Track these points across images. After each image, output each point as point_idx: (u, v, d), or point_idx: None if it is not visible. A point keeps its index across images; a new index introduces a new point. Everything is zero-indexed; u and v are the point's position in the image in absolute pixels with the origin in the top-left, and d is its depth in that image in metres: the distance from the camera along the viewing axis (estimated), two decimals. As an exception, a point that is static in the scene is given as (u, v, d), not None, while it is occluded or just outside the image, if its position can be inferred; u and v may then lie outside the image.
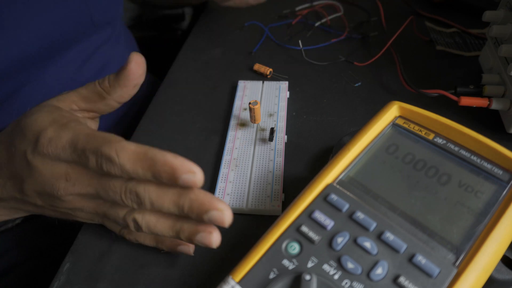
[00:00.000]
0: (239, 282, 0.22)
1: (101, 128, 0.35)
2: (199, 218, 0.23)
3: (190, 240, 0.24)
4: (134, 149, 0.23)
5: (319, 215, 0.23)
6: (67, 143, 0.25)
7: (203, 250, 0.31)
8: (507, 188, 0.23)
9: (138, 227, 0.25)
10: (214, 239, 0.24)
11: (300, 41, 0.50)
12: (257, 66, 0.48)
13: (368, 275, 0.21)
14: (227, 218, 0.23)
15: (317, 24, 0.55)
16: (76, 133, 0.25)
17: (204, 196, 0.23)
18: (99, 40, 0.49)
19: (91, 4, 0.45)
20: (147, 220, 0.25)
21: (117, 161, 0.23)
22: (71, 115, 0.28)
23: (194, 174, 0.23)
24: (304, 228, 0.23)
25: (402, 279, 0.20)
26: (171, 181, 0.23)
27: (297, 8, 0.59)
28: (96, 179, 0.25)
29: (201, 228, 0.24)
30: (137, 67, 0.28)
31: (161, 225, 0.25)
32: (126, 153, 0.23)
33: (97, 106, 0.30)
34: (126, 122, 0.53)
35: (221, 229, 0.32)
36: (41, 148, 0.25)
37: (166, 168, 0.23)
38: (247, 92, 0.44)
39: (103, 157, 0.23)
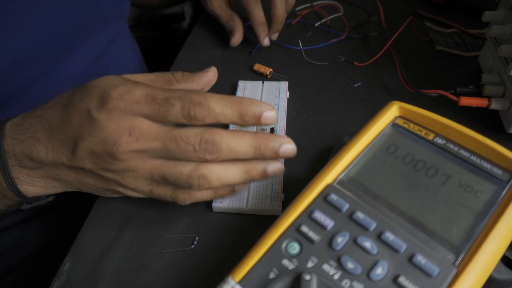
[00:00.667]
0: (239, 282, 0.22)
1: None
2: (272, 153, 0.27)
3: (262, 175, 0.28)
4: (221, 96, 0.26)
5: (319, 215, 0.23)
6: (142, 96, 0.26)
7: (203, 250, 0.31)
8: (506, 188, 0.23)
9: (206, 181, 0.26)
10: (281, 165, 0.28)
11: (300, 41, 0.50)
12: (257, 66, 0.48)
13: (368, 275, 0.21)
14: (294, 148, 0.27)
15: (317, 24, 0.55)
16: (152, 88, 0.26)
17: (274, 135, 0.27)
18: (109, 36, 0.50)
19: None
20: (216, 171, 0.26)
21: (207, 104, 0.25)
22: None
23: (273, 110, 0.27)
24: (304, 228, 0.23)
25: (402, 279, 0.20)
26: (256, 120, 0.26)
27: (297, 8, 0.59)
28: (166, 132, 0.26)
29: (270, 161, 0.27)
30: (213, 76, 0.32)
31: (232, 172, 0.27)
32: (215, 98, 0.26)
33: None
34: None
35: (221, 229, 0.32)
36: (110, 103, 0.26)
37: (252, 107, 0.26)
38: (247, 92, 0.44)
39: (192, 102, 0.25)
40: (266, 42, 0.49)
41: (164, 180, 0.28)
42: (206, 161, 0.26)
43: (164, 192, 0.29)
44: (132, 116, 0.26)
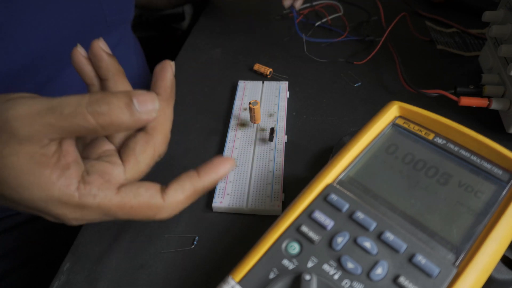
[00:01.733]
0: (239, 282, 0.22)
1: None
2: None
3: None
4: None
5: (319, 215, 0.23)
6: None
7: (203, 250, 0.31)
8: (506, 188, 0.23)
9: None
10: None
11: (303, 35, 0.50)
12: (257, 66, 0.48)
13: (368, 275, 0.21)
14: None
15: (317, 23, 0.55)
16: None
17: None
18: (113, 41, 0.50)
19: (105, 4, 0.45)
20: None
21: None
22: None
23: None
24: (304, 228, 0.23)
25: (402, 279, 0.20)
26: None
27: (296, 7, 0.59)
28: None
29: None
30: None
31: None
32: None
33: None
34: None
35: (221, 229, 0.32)
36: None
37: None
38: (247, 92, 0.44)
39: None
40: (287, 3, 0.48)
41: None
42: None
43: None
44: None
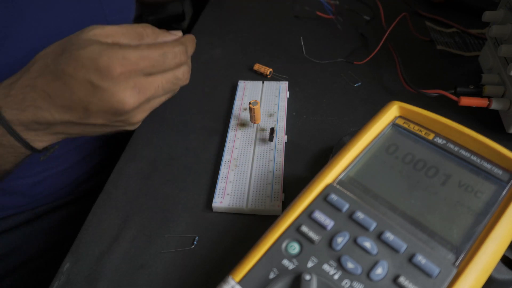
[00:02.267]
0: (239, 282, 0.22)
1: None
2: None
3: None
4: (188, 38, 0.36)
5: (319, 215, 0.23)
6: (138, 58, 0.30)
7: (203, 250, 0.31)
8: (506, 188, 0.23)
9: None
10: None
11: (301, 38, 0.50)
12: (257, 66, 0.48)
13: (368, 275, 0.21)
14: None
15: (323, 20, 0.55)
16: (140, 48, 0.30)
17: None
18: None
19: (105, 3, 0.45)
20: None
21: (187, 49, 0.34)
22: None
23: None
24: (304, 228, 0.23)
25: (402, 279, 0.20)
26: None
27: (296, 6, 0.59)
28: (162, 77, 0.32)
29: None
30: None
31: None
32: (188, 44, 0.35)
33: (130, 42, 0.32)
34: None
35: (221, 229, 0.32)
36: (113, 72, 0.28)
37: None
38: (247, 92, 0.44)
39: (179, 51, 0.33)
40: None
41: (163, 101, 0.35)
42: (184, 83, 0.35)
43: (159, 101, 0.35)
44: (134, 77, 0.30)
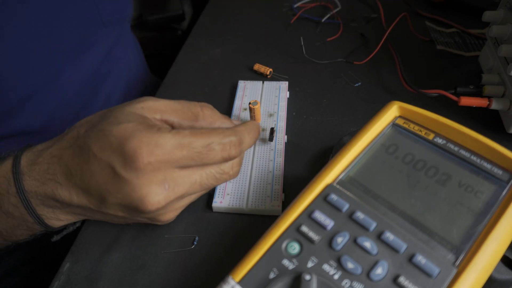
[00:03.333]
0: (239, 282, 0.22)
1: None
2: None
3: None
4: (246, 128, 0.29)
5: (319, 215, 0.23)
6: (174, 148, 0.24)
7: (203, 250, 0.31)
8: (506, 188, 0.23)
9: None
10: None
11: (301, 38, 0.50)
12: (257, 66, 0.48)
13: (368, 275, 0.21)
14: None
15: (324, 19, 0.55)
16: (180, 136, 0.25)
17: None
18: (111, 41, 0.50)
19: (99, 4, 0.45)
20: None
21: (242, 142, 0.27)
22: (159, 123, 0.27)
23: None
24: (304, 228, 0.23)
25: (402, 279, 0.20)
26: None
27: (295, 5, 0.59)
28: (200, 175, 0.26)
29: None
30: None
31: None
32: (245, 134, 0.28)
33: (181, 122, 0.28)
34: None
35: (221, 229, 0.32)
36: (139, 162, 0.24)
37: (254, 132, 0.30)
38: (247, 92, 0.44)
39: (231, 144, 0.26)
40: None
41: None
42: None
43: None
44: (164, 170, 0.25)
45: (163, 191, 0.25)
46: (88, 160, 0.25)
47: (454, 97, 0.37)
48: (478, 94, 0.39)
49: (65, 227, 0.30)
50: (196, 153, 0.25)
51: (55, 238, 0.31)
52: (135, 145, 0.24)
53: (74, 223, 0.30)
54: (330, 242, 0.22)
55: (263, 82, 0.45)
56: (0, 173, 0.27)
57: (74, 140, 0.26)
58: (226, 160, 0.27)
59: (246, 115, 0.41)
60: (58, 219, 0.28)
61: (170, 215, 0.27)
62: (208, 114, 0.29)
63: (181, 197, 0.26)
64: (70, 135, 0.27)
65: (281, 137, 0.38)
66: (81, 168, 0.25)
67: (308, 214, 0.24)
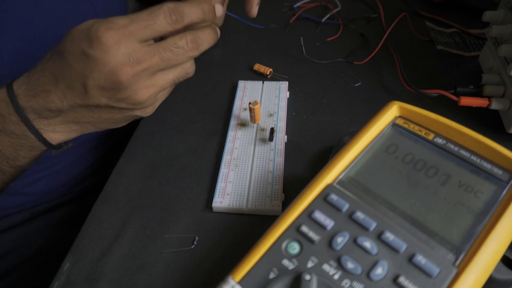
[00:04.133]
0: (239, 282, 0.22)
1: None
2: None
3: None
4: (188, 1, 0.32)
5: (319, 215, 0.23)
6: (127, 21, 0.29)
7: (203, 250, 0.31)
8: (506, 188, 0.23)
9: (198, 48, 0.32)
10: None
11: (301, 38, 0.50)
12: (257, 66, 0.48)
13: (368, 275, 0.21)
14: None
15: (324, 19, 0.55)
16: (131, 14, 0.29)
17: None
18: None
19: (96, 3, 0.45)
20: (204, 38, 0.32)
21: (181, 8, 0.30)
22: None
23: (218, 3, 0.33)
24: (304, 228, 0.23)
25: (402, 279, 0.20)
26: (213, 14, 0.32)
27: (295, 5, 0.59)
28: (158, 46, 0.30)
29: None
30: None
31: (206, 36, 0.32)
32: (184, 3, 0.31)
33: None
34: None
35: (221, 229, 0.32)
36: (101, 37, 0.28)
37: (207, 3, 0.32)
38: (247, 92, 0.44)
39: (170, 9, 0.30)
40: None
41: (172, 83, 0.32)
42: (193, 56, 0.32)
43: (169, 90, 0.34)
44: (124, 42, 0.28)
45: (128, 62, 0.28)
46: (65, 58, 0.29)
47: (454, 97, 0.37)
48: (478, 94, 0.39)
49: (60, 146, 0.34)
50: (144, 22, 0.29)
51: (54, 152, 0.34)
52: (96, 27, 0.28)
53: (67, 143, 0.34)
54: (330, 242, 0.22)
55: (263, 82, 0.45)
56: None
57: (51, 52, 0.30)
58: (171, 26, 0.30)
59: (246, 115, 0.41)
60: (54, 131, 0.32)
61: (144, 93, 0.30)
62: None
63: (148, 71, 0.30)
64: (49, 52, 0.31)
65: (281, 137, 0.38)
66: (62, 68, 0.29)
67: (308, 214, 0.24)
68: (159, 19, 0.30)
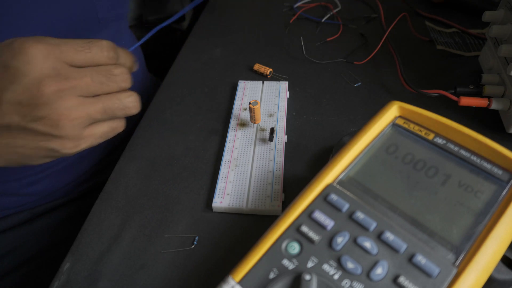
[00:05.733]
0: (239, 282, 0.22)
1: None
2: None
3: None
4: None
5: (319, 215, 0.23)
6: (60, 40, 0.27)
7: (203, 250, 0.31)
8: (506, 188, 0.23)
9: (136, 102, 0.31)
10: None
11: (301, 38, 0.50)
12: (257, 66, 0.48)
13: (368, 275, 0.21)
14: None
15: (324, 19, 0.55)
16: (68, 39, 0.28)
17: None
18: (108, 37, 0.50)
19: (97, 1, 0.45)
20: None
21: (121, 55, 0.30)
22: None
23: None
24: (304, 228, 0.23)
25: (402, 279, 0.20)
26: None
27: (296, 5, 0.59)
28: (92, 68, 0.28)
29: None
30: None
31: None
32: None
33: None
34: (126, 121, 0.53)
35: (221, 229, 0.32)
36: (28, 48, 0.25)
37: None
38: (247, 92, 0.44)
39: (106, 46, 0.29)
40: None
41: (103, 114, 0.29)
42: (125, 87, 0.30)
43: (102, 129, 0.30)
44: (53, 58, 0.26)
45: (54, 76, 0.26)
46: None
47: (454, 97, 0.37)
48: (478, 94, 0.39)
49: None
50: (79, 49, 0.27)
51: None
52: (22, 39, 0.26)
53: None
54: (330, 242, 0.22)
55: (263, 82, 0.45)
56: None
57: None
58: (106, 62, 0.29)
59: (246, 115, 0.41)
60: None
61: (67, 116, 0.27)
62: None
63: (75, 89, 0.27)
64: None
65: (281, 137, 0.38)
66: None
67: (308, 214, 0.24)
68: (94, 49, 0.28)
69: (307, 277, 0.21)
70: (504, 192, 0.23)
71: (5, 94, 0.25)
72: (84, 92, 0.27)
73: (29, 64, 0.25)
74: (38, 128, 0.27)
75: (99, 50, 0.28)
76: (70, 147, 0.28)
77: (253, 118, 0.38)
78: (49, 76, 0.26)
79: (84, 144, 0.29)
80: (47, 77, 0.26)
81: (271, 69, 0.47)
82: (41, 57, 0.26)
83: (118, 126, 0.31)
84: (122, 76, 0.29)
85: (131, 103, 0.30)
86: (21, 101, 0.26)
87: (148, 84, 0.60)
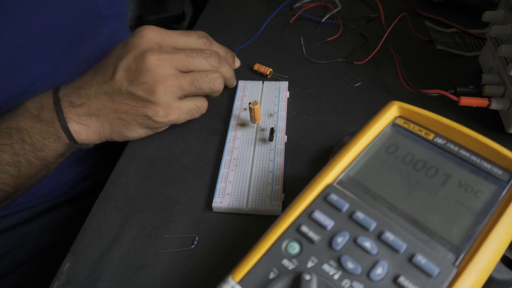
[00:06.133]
0: (239, 282, 0.22)
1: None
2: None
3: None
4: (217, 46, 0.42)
5: (319, 215, 0.23)
6: (171, 31, 0.36)
7: (203, 250, 0.31)
8: (506, 188, 0.23)
9: (220, 63, 0.38)
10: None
11: (301, 38, 0.50)
12: (257, 66, 0.48)
13: (368, 275, 0.21)
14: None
15: (324, 19, 0.55)
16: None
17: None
18: (109, 35, 0.50)
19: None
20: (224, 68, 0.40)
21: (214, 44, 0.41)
22: None
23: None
24: (304, 228, 0.23)
25: (402, 279, 0.20)
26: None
27: (295, 5, 0.59)
28: (187, 49, 0.36)
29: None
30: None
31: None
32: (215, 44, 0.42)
33: None
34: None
35: (221, 229, 0.32)
36: (144, 30, 0.35)
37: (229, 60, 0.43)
38: (247, 92, 0.44)
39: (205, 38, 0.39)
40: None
41: (191, 86, 0.35)
42: (215, 65, 0.37)
43: (189, 105, 0.37)
44: (160, 37, 0.35)
45: (157, 50, 0.34)
46: (109, 54, 0.35)
47: (454, 97, 0.37)
48: (478, 94, 0.39)
49: (81, 146, 0.36)
50: (179, 36, 0.37)
51: (73, 145, 0.36)
52: (141, 26, 0.35)
53: (87, 144, 0.36)
54: (330, 242, 0.22)
55: (263, 82, 0.45)
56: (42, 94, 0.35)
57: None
58: (201, 46, 0.37)
59: (246, 115, 0.41)
60: (79, 122, 0.34)
61: (162, 83, 0.34)
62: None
63: (171, 62, 0.34)
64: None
65: (281, 137, 0.38)
66: (103, 62, 0.35)
67: (308, 214, 0.24)
68: (193, 36, 0.37)
69: (307, 277, 0.21)
70: (504, 192, 0.23)
71: (121, 62, 0.33)
72: (179, 65, 0.35)
73: (141, 38, 0.34)
74: (138, 93, 0.34)
75: (196, 36, 0.37)
76: (161, 116, 0.35)
77: (253, 118, 0.38)
78: (153, 49, 0.33)
79: (172, 116, 0.36)
80: (152, 49, 0.33)
81: (271, 69, 0.47)
82: (151, 35, 0.34)
83: (203, 106, 0.38)
84: (211, 57, 0.36)
85: (216, 79, 0.36)
86: (130, 67, 0.33)
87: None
